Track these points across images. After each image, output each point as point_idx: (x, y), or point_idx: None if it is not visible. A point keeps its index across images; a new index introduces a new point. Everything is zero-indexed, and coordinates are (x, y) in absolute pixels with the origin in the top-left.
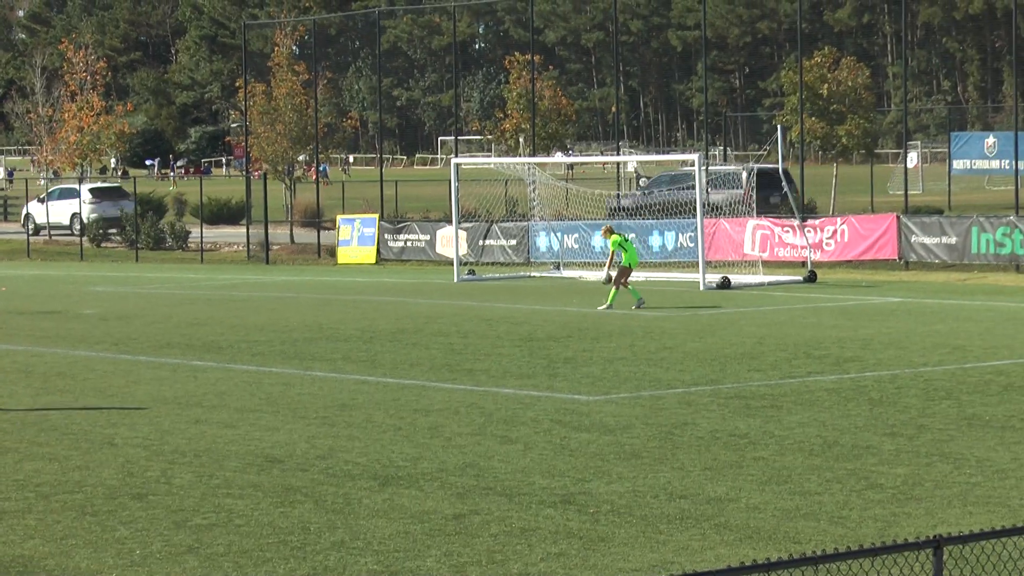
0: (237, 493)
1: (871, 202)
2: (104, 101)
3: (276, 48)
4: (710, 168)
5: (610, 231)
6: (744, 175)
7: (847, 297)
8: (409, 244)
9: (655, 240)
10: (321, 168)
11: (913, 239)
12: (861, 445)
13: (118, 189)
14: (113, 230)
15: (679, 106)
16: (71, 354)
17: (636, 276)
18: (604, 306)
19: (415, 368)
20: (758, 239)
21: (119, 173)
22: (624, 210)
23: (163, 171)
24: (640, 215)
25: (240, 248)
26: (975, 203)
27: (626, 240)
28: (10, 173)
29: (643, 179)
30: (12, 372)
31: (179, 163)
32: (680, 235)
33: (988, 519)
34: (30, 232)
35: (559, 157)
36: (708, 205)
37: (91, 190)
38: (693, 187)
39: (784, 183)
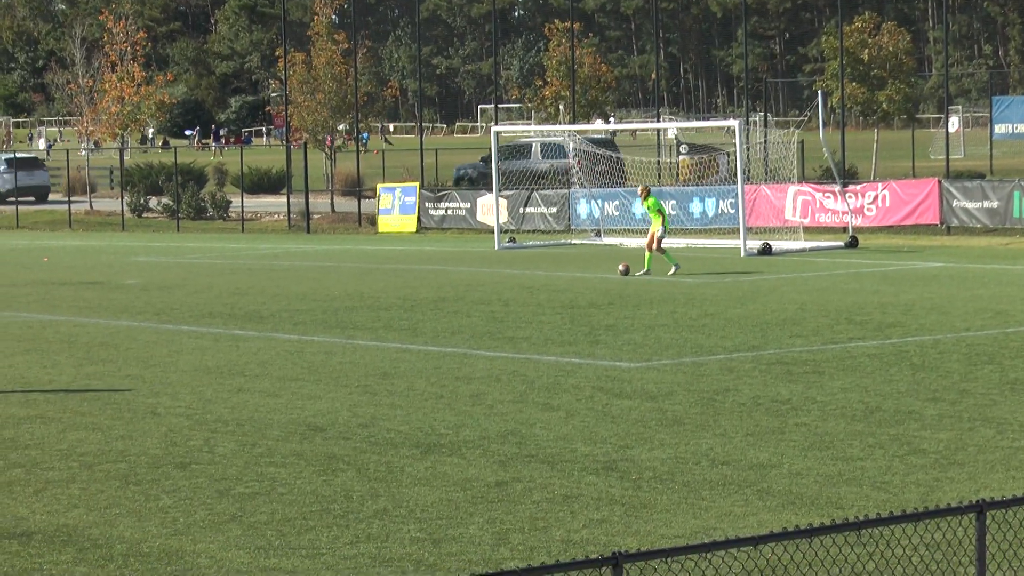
0: (280, 462)
1: (912, 167)
2: (144, 71)
3: (315, 17)
4: (541, 140)
5: (647, 192)
6: (570, 145)
7: (889, 262)
8: (450, 212)
9: (695, 207)
10: (363, 137)
11: (955, 204)
12: (903, 410)
13: (34, 160)
14: (31, 198)
15: (719, 72)
16: (113, 324)
17: (676, 243)
18: (642, 271)
19: (457, 336)
20: (799, 205)
21: (158, 143)
22: (469, 180)
23: (203, 141)
24: (478, 185)
25: (281, 217)
26: (1017, 167)
27: (660, 204)
28: (49, 144)
29: (683, 146)
30: (55, 343)
31: (220, 132)
32: (721, 201)
33: None
34: None
35: (599, 124)
36: (535, 173)
37: (7, 160)
38: (523, 158)
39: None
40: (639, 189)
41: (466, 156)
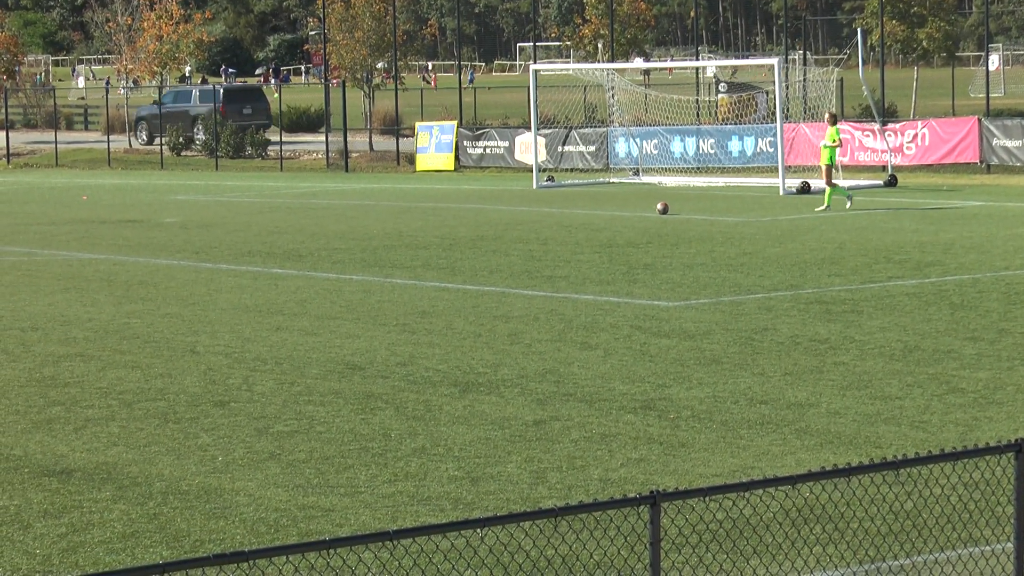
0: (318, 400)
1: (952, 105)
2: (182, 9)
3: None
4: (201, 88)
5: (834, 119)
6: (220, 91)
7: (928, 201)
8: (488, 151)
9: (734, 145)
10: (470, 78)
11: (995, 142)
12: (942, 349)
13: None
14: None
15: (758, 10)
16: (152, 263)
17: (715, 181)
18: (822, 208)
19: (495, 275)
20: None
21: (196, 81)
22: (144, 119)
23: (239, 80)
24: (154, 124)
25: (319, 156)
26: None
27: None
28: (107, 82)
29: (722, 84)
30: (95, 281)
31: (257, 71)
32: (760, 140)
33: None
34: None
35: (638, 62)
36: (193, 116)
37: None
38: (185, 102)
39: None
40: (827, 116)
41: (505, 95)
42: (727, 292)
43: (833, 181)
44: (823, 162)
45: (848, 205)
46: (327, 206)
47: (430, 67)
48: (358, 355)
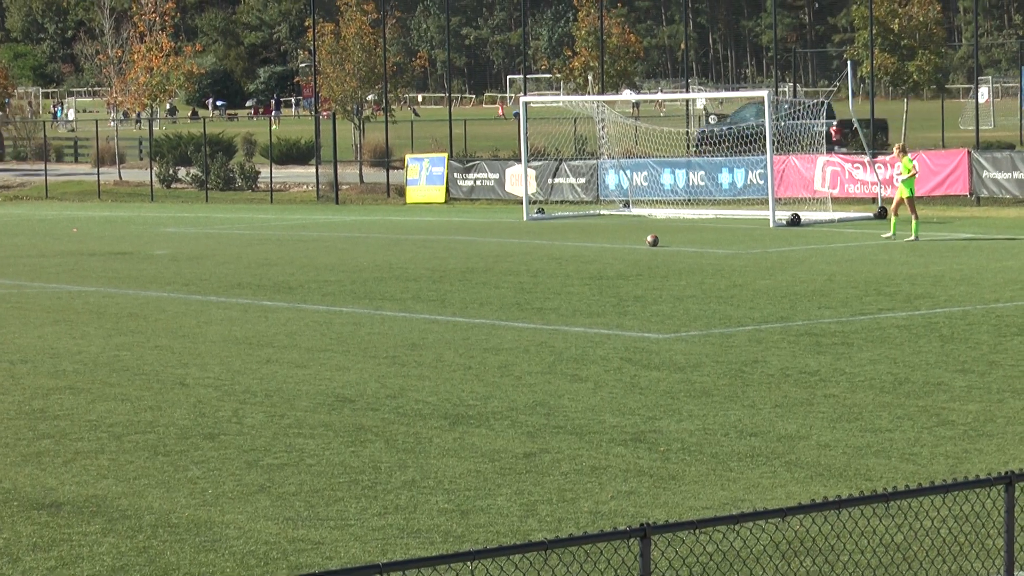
0: (308, 433)
1: (942, 138)
2: (172, 42)
3: None
4: None
5: (904, 151)
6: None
7: (919, 233)
8: (478, 183)
9: (724, 177)
10: (515, 114)
11: (984, 174)
12: (932, 382)
13: None
14: None
15: (748, 43)
16: (142, 295)
17: (705, 213)
18: (911, 238)
19: (485, 307)
20: (828, 176)
21: (186, 114)
22: None
23: (229, 112)
24: None
25: (309, 188)
26: None
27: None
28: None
29: (712, 116)
30: (84, 313)
31: (248, 103)
32: (750, 172)
33: None
34: None
35: (628, 95)
36: None
37: None
38: None
39: None
40: (895, 148)
41: (495, 127)
42: (717, 324)
43: (899, 211)
44: (902, 195)
45: (913, 238)
46: (317, 238)
47: (420, 99)
48: (348, 387)
